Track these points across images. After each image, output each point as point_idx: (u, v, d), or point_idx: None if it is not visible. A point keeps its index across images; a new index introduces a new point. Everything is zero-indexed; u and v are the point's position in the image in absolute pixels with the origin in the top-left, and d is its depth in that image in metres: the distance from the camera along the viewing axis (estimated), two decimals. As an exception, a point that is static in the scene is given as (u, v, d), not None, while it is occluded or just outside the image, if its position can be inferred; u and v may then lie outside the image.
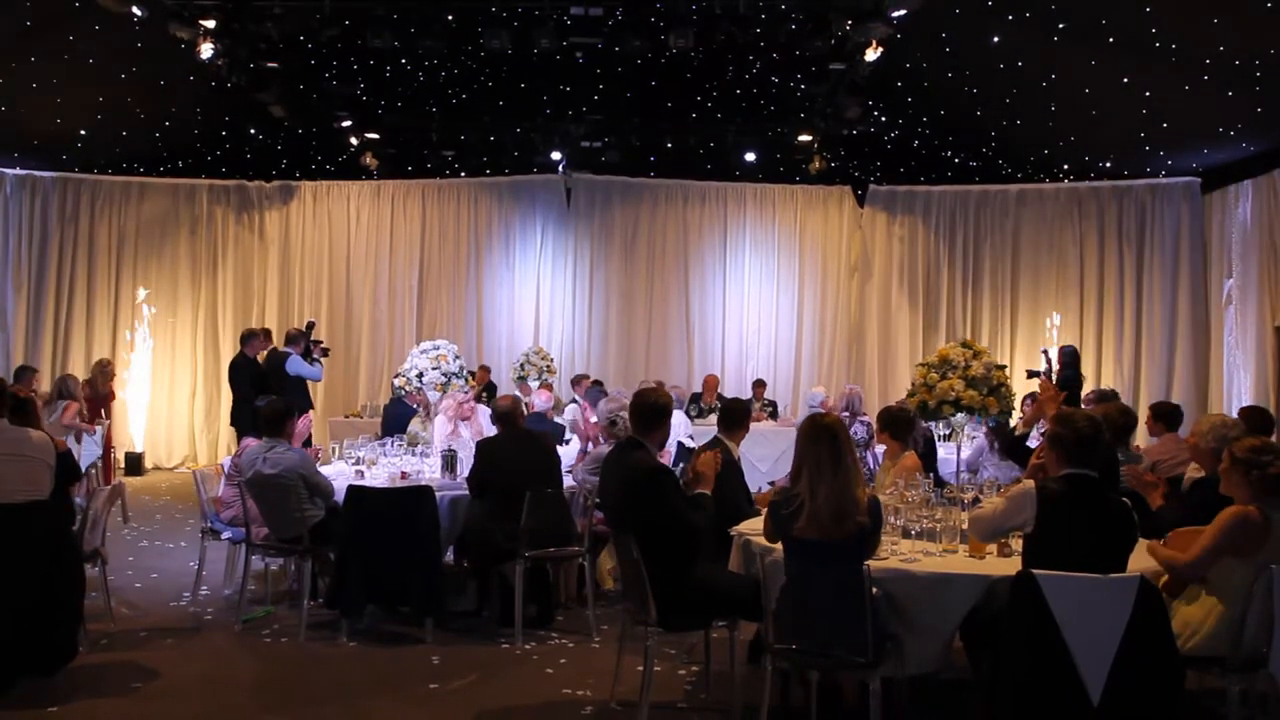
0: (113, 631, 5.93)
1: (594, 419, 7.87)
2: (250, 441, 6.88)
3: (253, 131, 13.27)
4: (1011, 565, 4.04)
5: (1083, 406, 8.09)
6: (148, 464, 13.37)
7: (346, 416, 12.29)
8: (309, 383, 10.32)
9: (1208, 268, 12.75)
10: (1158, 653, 3.66)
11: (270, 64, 10.93)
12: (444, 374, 8.40)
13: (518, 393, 10.24)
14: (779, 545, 4.20)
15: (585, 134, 13.19)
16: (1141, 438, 8.75)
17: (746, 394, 12.52)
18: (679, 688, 5.20)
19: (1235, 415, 6.70)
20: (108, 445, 10.50)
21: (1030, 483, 4.05)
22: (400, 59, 11.63)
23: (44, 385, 10.68)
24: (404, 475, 6.62)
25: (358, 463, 7.02)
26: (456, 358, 8.67)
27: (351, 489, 5.97)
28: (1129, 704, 3.60)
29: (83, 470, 8.30)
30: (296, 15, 9.82)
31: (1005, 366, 7.47)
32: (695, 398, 12.30)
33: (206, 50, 9.63)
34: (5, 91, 10.82)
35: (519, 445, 6.21)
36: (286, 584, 7.06)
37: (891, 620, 4.04)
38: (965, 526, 4.38)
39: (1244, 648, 3.93)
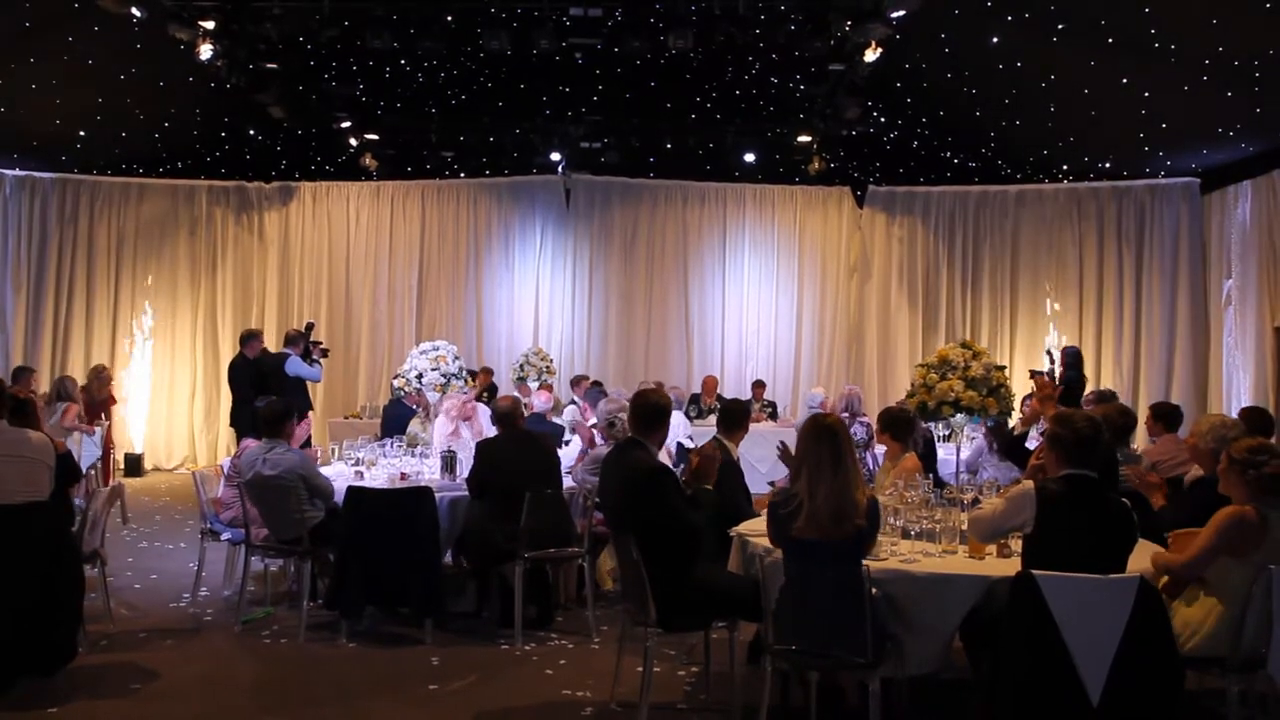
0: (112, 632, 5.93)
1: (593, 420, 7.87)
2: (249, 442, 6.87)
3: (252, 132, 13.27)
4: (1011, 566, 4.04)
5: (1082, 407, 8.09)
6: (147, 465, 13.36)
7: (346, 417, 12.29)
8: (308, 384, 10.32)
9: (1207, 268, 12.75)
10: (1157, 653, 3.66)
11: (269, 65, 10.94)
12: (443, 375, 8.40)
13: (517, 393, 10.23)
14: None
15: (584, 135, 13.20)
16: (1141, 438, 8.75)
17: (746, 395, 12.53)
18: (679, 688, 5.20)
19: (1235, 416, 6.70)
20: (107, 446, 10.50)
21: (1030, 483, 4.05)
22: (400, 60, 11.63)
23: (43, 385, 10.69)
24: (403, 476, 6.62)
25: (357, 464, 7.01)
26: (456, 358, 8.68)
27: (351, 490, 5.96)
28: (1129, 704, 3.60)
29: (83, 471, 8.29)
30: (296, 16, 9.82)
31: (1005, 367, 7.47)
32: (695, 398, 12.30)
33: (206, 51, 9.64)
34: (5, 92, 10.81)
35: (519, 446, 6.21)
36: (286, 585, 7.05)
37: (891, 621, 4.04)
38: (965, 527, 4.38)
39: (1243, 648, 3.94)
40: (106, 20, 9.50)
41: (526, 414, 7.98)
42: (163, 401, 13.70)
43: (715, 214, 14.18)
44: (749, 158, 13.41)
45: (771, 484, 8.98)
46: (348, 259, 14.06)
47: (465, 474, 6.39)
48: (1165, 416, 6.61)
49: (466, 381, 8.83)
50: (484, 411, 8.17)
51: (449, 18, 10.34)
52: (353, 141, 13.14)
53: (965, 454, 7.82)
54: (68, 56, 10.40)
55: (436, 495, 6.08)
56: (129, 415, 13.39)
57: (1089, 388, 10.71)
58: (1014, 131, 12.31)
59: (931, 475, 5.75)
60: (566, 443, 8.21)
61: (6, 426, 5.10)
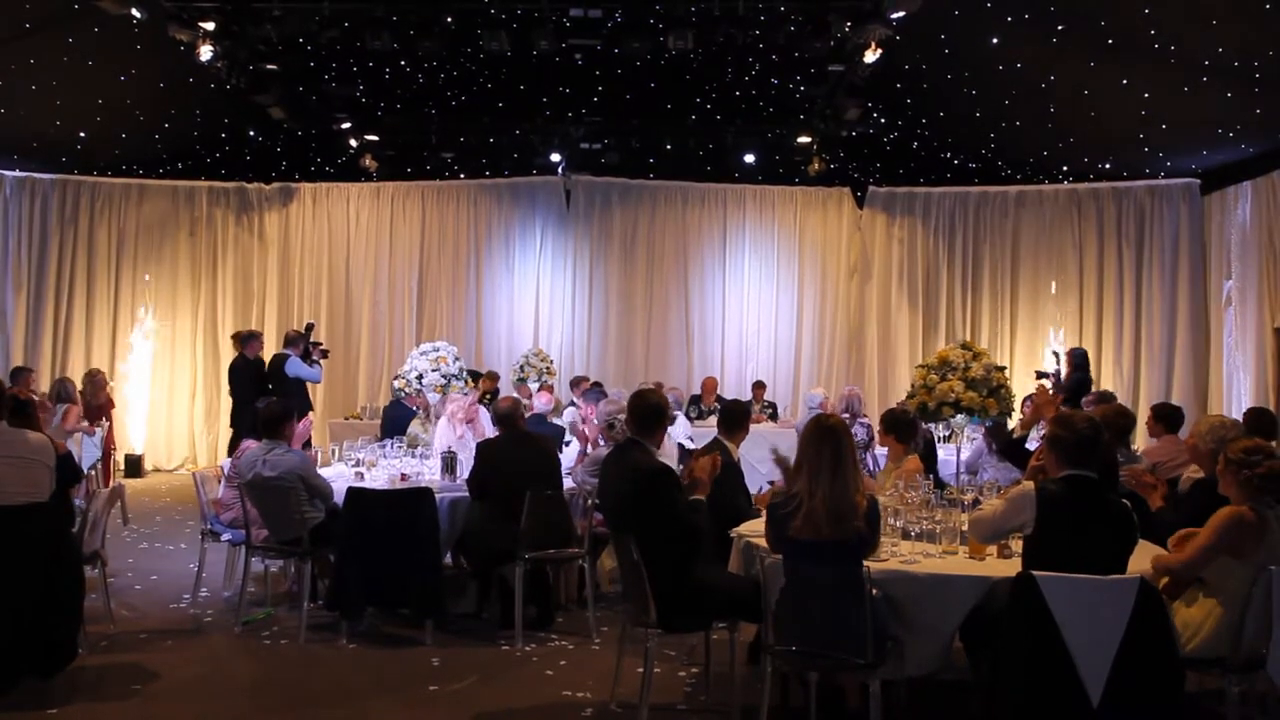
0: (113, 633, 5.93)
1: (594, 420, 7.86)
2: (249, 443, 6.88)
3: (252, 133, 13.27)
4: (1011, 567, 4.04)
5: (1081, 408, 8.09)
6: (147, 466, 13.36)
7: (346, 418, 12.28)
8: (308, 384, 10.31)
9: (1207, 269, 12.74)
10: (1158, 654, 3.66)
11: (269, 66, 10.94)
12: (444, 376, 8.40)
13: (517, 395, 10.23)
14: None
15: (584, 136, 13.20)
16: (1141, 439, 8.75)
17: (746, 395, 12.53)
18: (679, 689, 5.20)
19: (1237, 417, 6.70)
20: (108, 447, 10.49)
21: (1030, 484, 4.05)
22: (399, 61, 11.62)
23: (43, 385, 10.67)
24: (404, 477, 6.62)
25: (357, 464, 7.01)
26: (456, 359, 8.67)
27: (351, 491, 5.96)
28: (1129, 705, 3.60)
29: (84, 472, 8.29)
30: (296, 17, 9.82)
31: (1005, 368, 7.47)
32: (695, 399, 12.30)
33: (206, 52, 9.65)
34: (5, 93, 10.81)
35: (519, 447, 6.21)
36: (286, 586, 7.05)
37: (891, 621, 4.03)
38: (965, 528, 4.39)
39: (1243, 649, 3.95)
40: (106, 20, 9.50)
41: (527, 415, 7.98)
42: (163, 402, 13.70)
43: (715, 215, 14.17)
44: (749, 158, 13.41)
45: (771, 484, 8.98)
46: (348, 260, 14.05)
47: (465, 475, 6.40)
48: (1166, 417, 6.61)
49: (467, 382, 8.82)
50: (485, 413, 8.17)
51: (449, 19, 10.34)
52: (353, 142, 13.14)
53: (965, 455, 7.82)
54: (68, 57, 10.40)
55: (437, 496, 6.08)
56: (129, 416, 13.38)
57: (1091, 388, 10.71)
58: (1014, 132, 12.30)
59: (932, 476, 5.75)
60: (567, 444, 8.20)
61: (6, 427, 5.09)
